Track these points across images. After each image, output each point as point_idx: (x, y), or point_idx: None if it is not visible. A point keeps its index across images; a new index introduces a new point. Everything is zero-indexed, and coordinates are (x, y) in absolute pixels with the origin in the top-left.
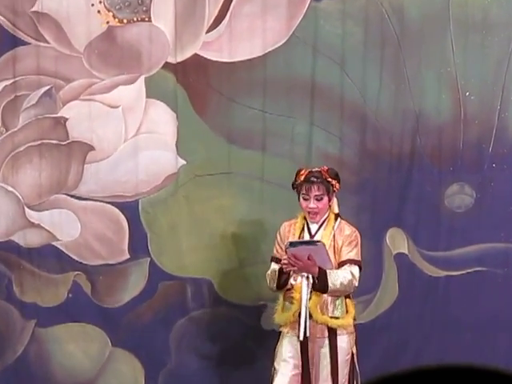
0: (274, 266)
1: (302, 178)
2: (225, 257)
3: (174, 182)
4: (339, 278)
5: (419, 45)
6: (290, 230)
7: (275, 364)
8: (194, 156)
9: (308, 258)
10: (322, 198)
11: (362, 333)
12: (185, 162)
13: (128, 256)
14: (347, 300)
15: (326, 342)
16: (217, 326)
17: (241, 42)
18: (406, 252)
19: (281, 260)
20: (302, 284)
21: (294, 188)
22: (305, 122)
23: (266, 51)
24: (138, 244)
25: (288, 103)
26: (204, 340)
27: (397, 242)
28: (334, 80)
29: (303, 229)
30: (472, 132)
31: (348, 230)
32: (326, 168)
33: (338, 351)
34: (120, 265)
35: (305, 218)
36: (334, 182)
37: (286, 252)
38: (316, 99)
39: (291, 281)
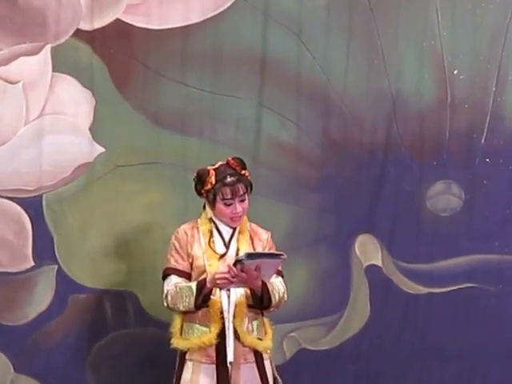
0: (178, 280)
1: (215, 179)
2: (152, 265)
3: (87, 173)
4: (278, 290)
5: (396, 11)
6: (193, 235)
7: None
8: (114, 142)
9: (255, 270)
10: (245, 199)
11: (324, 361)
12: (103, 150)
13: (32, 263)
14: (264, 319)
15: (254, 368)
16: (143, 349)
17: (173, 5)
18: (380, 264)
19: (183, 272)
20: (221, 299)
21: (200, 194)
22: (253, 103)
23: (206, 17)
24: (44, 249)
25: (232, 80)
26: (128, 366)
27: (368, 251)
28: (289, 53)
29: (211, 234)
30: (461, 119)
31: (264, 233)
32: (232, 160)
33: (268, 378)
34: (23, 274)
35: (211, 221)
36: (247, 173)
37: (233, 264)
38: (267, 76)
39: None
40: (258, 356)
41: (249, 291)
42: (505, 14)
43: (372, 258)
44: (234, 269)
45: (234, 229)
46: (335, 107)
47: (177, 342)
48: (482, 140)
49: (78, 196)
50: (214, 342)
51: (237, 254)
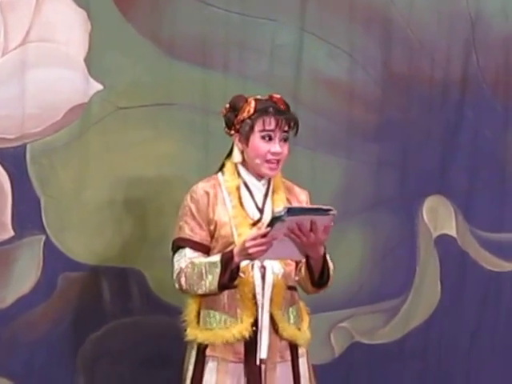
0: (194, 255)
1: (254, 108)
2: (162, 236)
3: (82, 117)
4: (330, 265)
5: None
6: (216, 196)
7: None
8: (115, 78)
9: (311, 230)
10: (287, 139)
11: (382, 359)
12: (101, 87)
13: (12, 233)
14: (301, 303)
15: (290, 367)
16: (150, 340)
17: None
18: (454, 234)
19: (201, 245)
20: (253, 279)
21: (230, 127)
22: (292, 26)
23: None
24: (27, 214)
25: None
26: (131, 365)
27: (440, 217)
28: None
29: (239, 192)
30: None
31: (301, 193)
32: (276, 96)
33: (303, 381)
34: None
35: (238, 175)
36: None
37: (270, 225)
38: None
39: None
40: (294, 352)
41: (287, 267)
42: None
43: (444, 226)
44: (278, 228)
45: (268, 186)
46: (399, 33)
47: (194, 334)
48: None
49: (70, 146)
50: (247, 334)
51: (260, 218)
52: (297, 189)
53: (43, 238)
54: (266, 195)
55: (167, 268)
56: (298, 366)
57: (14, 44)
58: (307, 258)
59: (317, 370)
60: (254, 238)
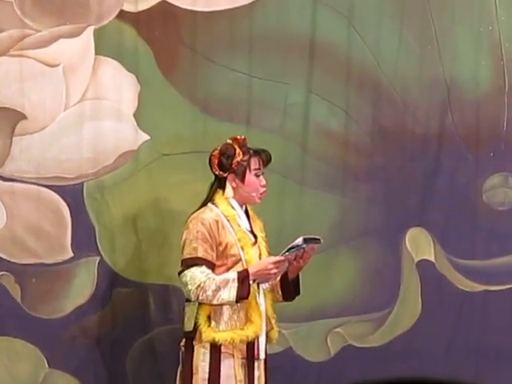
0: (209, 271)
1: (244, 150)
2: None
3: (131, 161)
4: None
5: None
6: (222, 223)
7: None
8: (159, 130)
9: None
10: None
11: (371, 360)
12: (148, 138)
13: (71, 254)
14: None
15: (262, 365)
16: None
17: None
18: (432, 259)
19: (212, 264)
20: (258, 292)
21: (227, 169)
22: (301, 89)
23: None
24: (84, 239)
25: (280, 65)
26: (171, 365)
27: (420, 245)
28: (339, 37)
29: (236, 220)
30: None
31: (257, 218)
32: (240, 137)
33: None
34: (60, 265)
35: (231, 208)
36: None
37: (287, 251)
38: (316, 61)
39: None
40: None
41: (278, 281)
42: None
43: (424, 252)
44: (288, 257)
45: (246, 212)
46: (386, 94)
47: (210, 335)
48: None
49: (121, 185)
50: (261, 333)
51: (256, 240)
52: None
53: (98, 259)
54: (248, 219)
55: None
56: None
57: (74, 101)
58: (286, 277)
59: (315, 367)
60: (277, 262)
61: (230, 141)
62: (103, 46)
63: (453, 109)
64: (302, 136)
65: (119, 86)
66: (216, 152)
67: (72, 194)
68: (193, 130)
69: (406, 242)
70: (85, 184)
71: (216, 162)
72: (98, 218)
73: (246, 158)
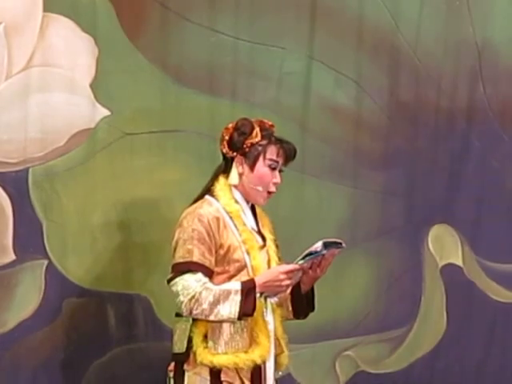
0: (206, 279)
1: (261, 133)
2: (168, 262)
3: (87, 142)
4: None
5: None
6: (224, 220)
7: None
8: (121, 104)
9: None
10: (282, 170)
11: None
12: (108, 113)
13: (13, 257)
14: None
15: None
16: (158, 369)
17: None
18: (460, 263)
19: (210, 270)
20: (265, 306)
21: (237, 148)
22: (300, 54)
23: None
24: (29, 238)
25: (274, 26)
26: None
27: (445, 246)
28: None
29: (241, 217)
30: None
31: (264, 215)
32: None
33: None
34: (1, 270)
35: (235, 201)
36: None
37: (303, 258)
38: (318, 21)
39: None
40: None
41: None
42: None
43: (450, 255)
44: (306, 264)
45: (252, 208)
46: (405, 61)
47: (206, 358)
48: None
49: (74, 172)
50: (268, 358)
51: (264, 242)
52: (260, 211)
53: (45, 262)
54: (255, 217)
55: (173, 294)
56: None
57: (17, 68)
58: (298, 289)
59: None
60: (290, 271)
61: (252, 119)
62: (53, 1)
63: (485, 78)
64: (302, 112)
65: (73, 51)
66: (230, 126)
67: (14, 182)
68: (163, 105)
69: (429, 242)
70: (30, 170)
71: (227, 137)
72: (46, 213)
73: (264, 142)
